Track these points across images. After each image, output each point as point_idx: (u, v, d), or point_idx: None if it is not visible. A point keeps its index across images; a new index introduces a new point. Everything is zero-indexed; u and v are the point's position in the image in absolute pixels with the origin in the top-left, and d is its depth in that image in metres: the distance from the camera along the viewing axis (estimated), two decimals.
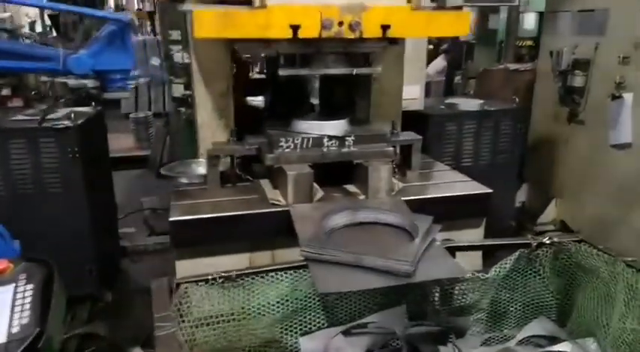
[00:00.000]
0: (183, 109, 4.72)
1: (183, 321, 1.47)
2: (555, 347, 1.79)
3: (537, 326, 1.89)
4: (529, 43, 6.34)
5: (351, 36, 1.94)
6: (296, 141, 2.11)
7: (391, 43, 2.11)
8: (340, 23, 1.92)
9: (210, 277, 1.55)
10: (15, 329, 1.07)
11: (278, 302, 1.66)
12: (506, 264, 1.79)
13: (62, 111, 3.09)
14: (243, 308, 1.62)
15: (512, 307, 1.90)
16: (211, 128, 2.48)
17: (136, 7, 11.97)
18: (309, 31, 1.89)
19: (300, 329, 1.72)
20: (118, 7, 12.03)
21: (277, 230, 2.00)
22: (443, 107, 3.44)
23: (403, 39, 2.21)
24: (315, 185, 2.14)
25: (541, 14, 5.40)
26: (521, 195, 4.54)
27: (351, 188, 2.24)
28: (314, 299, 1.71)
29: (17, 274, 1.22)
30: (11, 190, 2.85)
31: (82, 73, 2.76)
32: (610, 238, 3.14)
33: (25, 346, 1.02)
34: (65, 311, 1.24)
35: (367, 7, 1.93)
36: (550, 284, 1.88)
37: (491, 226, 3.46)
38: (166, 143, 5.72)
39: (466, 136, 3.39)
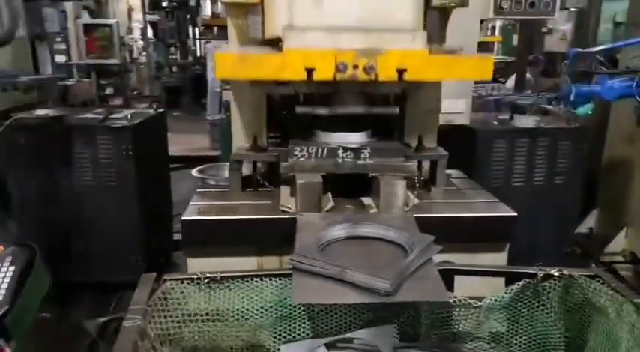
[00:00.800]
0: None
1: (165, 317, 1.55)
2: None
3: None
4: None
5: (366, 79, 1.93)
6: (310, 151, 2.13)
7: (413, 83, 2.08)
8: (355, 66, 1.92)
9: (195, 276, 1.62)
10: None
11: (262, 307, 1.69)
12: (505, 293, 1.68)
13: (124, 112, 3.36)
14: (227, 309, 1.67)
15: (515, 340, 1.78)
16: (244, 133, 2.57)
17: None
18: (324, 73, 1.91)
19: (284, 337, 1.73)
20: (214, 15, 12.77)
21: (285, 236, 2.03)
22: (494, 122, 3.29)
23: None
24: (328, 195, 2.16)
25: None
26: (590, 222, 4.21)
27: (366, 201, 2.21)
28: (299, 308, 1.72)
29: (5, 256, 1.36)
30: (72, 181, 3.14)
31: None
32: None
33: None
34: (45, 292, 1.36)
35: (383, 51, 1.91)
36: (558, 320, 1.73)
37: (544, 252, 3.28)
38: None
39: (518, 155, 3.22)
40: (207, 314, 1.64)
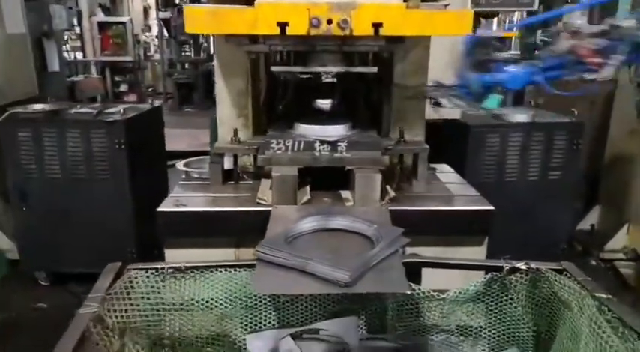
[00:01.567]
0: None
1: (127, 305, 1.56)
2: None
3: None
4: None
5: (341, 34, 1.92)
6: (287, 144, 2.13)
7: (391, 42, 2.05)
8: (329, 21, 1.91)
9: (159, 266, 1.64)
10: None
11: (227, 297, 1.70)
12: (470, 287, 1.66)
13: (119, 107, 3.40)
14: (192, 300, 1.68)
15: (484, 334, 1.76)
16: (229, 126, 2.58)
17: None
18: (297, 28, 1.90)
19: (250, 327, 1.74)
20: None
21: (261, 228, 2.04)
22: (487, 117, 3.24)
23: (402, 38, 2.13)
24: (306, 188, 2.16)
25: None
26: (592, 218, 4.13)
27: (344, 194, 2.21)
28: (265, 298, 1.73)
29: None
30: (66, 174, 3.20)
31: None
32: None
33: None
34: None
35: (357, 5, 1.90)
36: (527, 314, 1.71)
37: (539, 248, 3.23)
38: None
39: (511, 150, 3.17)
40: (172, 303, 1.66)
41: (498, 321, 1.75)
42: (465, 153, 3.10)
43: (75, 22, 9.82)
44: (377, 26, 1.93)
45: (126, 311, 1.54)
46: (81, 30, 10.21)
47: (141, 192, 3.35)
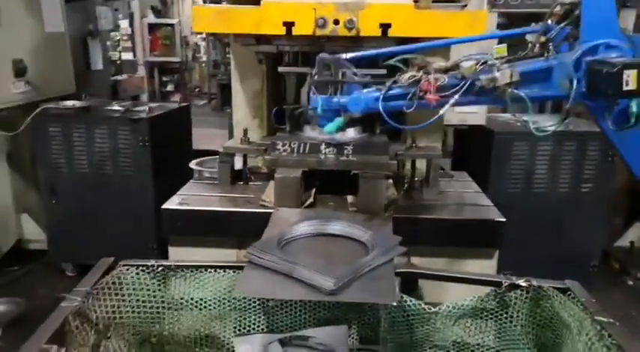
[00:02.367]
0: None
1: (115, 301, 1.58)
2: None
3: None
4: None
5: (348, 34, 1.88)
6: (293, 146, 2.10)
7: (401, 43, 1.99)
8: (336, 21, 1.88)
9: (149, 264, 1.64)
10: None
11: (217, 298, 1.68)
12: (465, 301, 1.58)
13: (146, 105, 3.48)
14: (182, 299, 1.68)
15: None
16: (244, 126, 2.59)
17: None
18: (303, 28, 1.89)
19: (239, 330, 1.72)
20: None
21: (262, 230, 2.02)
22: (514, 124, 3.10)
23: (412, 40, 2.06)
24: (311, 191, 2.13)
25: None
26: (633, 235, 3.88)
27: (350, 198, 2.16)
28: (254, 301, 1.70)
29: None
30: (93, 169, 3.30)
31: None
32: None
33: None
34: None
35: (365, 5, 1.86)
36: (527, 335, 1.60)
37: (568, 265, 3.07)
38: None
39: (540, 159, 3.02)
40: (162, 302, 1.66)
41: (497, 340, 1.65)
42: (489, 161, 2.98)
43: (126, 23, 10.23)
44: (385, 27, 1.89)
45: (112, 306, 1.55)
46: (132, 31, 10.57)
47: (164, 189, 3.39)
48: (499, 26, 3.36)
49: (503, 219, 2.00)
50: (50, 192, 3.37)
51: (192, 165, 2.60)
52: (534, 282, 1.56)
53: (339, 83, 1.74)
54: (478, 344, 1.67)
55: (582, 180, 3.05)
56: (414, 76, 1.59)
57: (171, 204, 2.12)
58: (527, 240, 3.12)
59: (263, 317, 1.73)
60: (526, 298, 1.58)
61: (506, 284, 1.57)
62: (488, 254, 2.05)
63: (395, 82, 1.64)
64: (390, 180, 2.25)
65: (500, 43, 1.66)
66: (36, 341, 1.26)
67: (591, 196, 3.08)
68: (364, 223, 1.87)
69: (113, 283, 1.57)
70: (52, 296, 3.45)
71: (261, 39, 2.04)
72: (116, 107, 3.49)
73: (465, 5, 1.99)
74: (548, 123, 2.88)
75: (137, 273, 1.63)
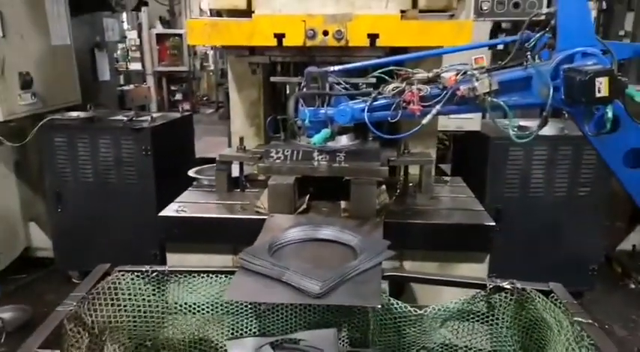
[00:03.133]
0: None
1: (110, 305, 1.63)
2: None
3: None
4: None
5: (337, 45, 1.94)
6: (286, 153, 2.15)
7: (389, 52, 2.04)
8: (325, 32, 1.94)
9: (144, 269, 1.70)
10: None
11: (210, 303, 1.73)
12: (451, 304, 1.61)
13: (148, 116, 3.55)
14: (176, 303, 1.73)
15: None
16: (242, 134, 2.65)
17: None
18: (294, 39, 1.95)
19: (231, 333, 1.77)
20: None
21: (257, 236, 2.07)
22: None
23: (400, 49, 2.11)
24: (305, 197, 2.18)
25: None
26: (635, 238, 3.87)
27: (343, 204, 2.20)
28: (247, 305, 1.75)
29: None
30: (97, 178, 3.38)
31: None
32: None
33: None
34: None
35: (353, 17, 1.91)
36: (512, 336, 1.63)
37: (567, 269, 3.07)
38: None
39: (536, 164, 3.04)
40: (156, 306, 1.71)
41: (484, 341, 1.68)
42: (486, 166, 3.00)
43: (135, 34, 10.39)
44: (373, 37, 1.94)
45: (107, 311, 1.60)
46: (140, 41, 10.72)
47: (167, 197, 3.45)
48: (505, 31, 3.39)
49: (493, 223, 2.02)
50: (56, 201, 3.45)
51: (191, 173, 2.66)
52: (518, 285, 1.60)
53: (326, 95, 1.79)
54: (466, 346, 1.70)
55: (579, 184, 3.06)
56: (397, 88, 1.64)
57: (169, 211, 2.18)
58: (526, 244, 3.13)
59: (255, 320, 1.78)
60: (511, 300, 1.61)
61: (491, 286, 1.61)
62: (478, 258, 2.07)
63: (380, 93, 1.69)
64: (383, 186, 2.29)
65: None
66: (31, 344, 1.31)
67: (588, 200, 3.08)
68: (355, 228, 1.91)
69: (109, 288, 1.62)
70: (58, 303, 3.55)
71: (254, 50, 2.10)
72: (120, 117, 3.57)
73: (453, 15, 2.03)
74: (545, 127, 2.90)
75: (132, 279, 1.68)
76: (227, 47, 2.22)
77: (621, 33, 4.38)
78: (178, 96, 11.36)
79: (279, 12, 1.97)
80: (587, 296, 3.38)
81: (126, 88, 6.42)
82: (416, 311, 1.59)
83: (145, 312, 1.69)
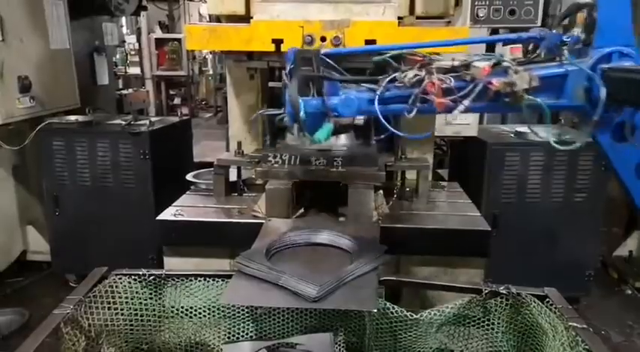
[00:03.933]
0: None
1: (107, 309, 1.63)
2: None
3: None
4: None
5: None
6: (284, 157, 2.16)
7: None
8: (323, 38, 1.95)
9: (141, 273, 1.70)
10: None
11: (206, 306, 1.74)
12: (446, 308, 1.61)
13: (146, 120, 3.56)
14: (172, 307, 1.73)
15: None
16: (239, 139, 2.65)
17: None
18: (291, 45, 1.95)
19: (228, 337, 1.77)
20: None
21: (254, 240, 2.08)
22: (507, 135, 3.15)
23: None
24: (303, 202, 2.18)
25: None
26: (632, 244, 3.89)
27: (341, 209, 2.21)
28: (243, 309, 1.75)
29: None
30: (95, 182, 3.38)
31: None
32: None
33: None
34: None
35: (351, 23, 1.93)
36: (508, 341, 1.64)
37: (563, 274, 3.08)
38: None
39: (533, 170, 3.05)
40: (153, 310, 1.72)
41: (480, 346, 1.69)
42: (483, 171, 3.02)
43: (134, 38, 10.42)
44: (370, 43, 1.95)
45: (104, 314, 1.61)
46: (139, 46, 10.75)
47: (165, 201, 3.46)
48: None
49: (490, 229, 2.03)
50: (54, 204, 3.45)
51: (189, 177, 2.66)
52: (513, 290, 1.60)
53: (324, 79, 1.47)
54: (462, 351, 1.71)
55: (576, 190, 3.07)
56: (417, 75, 1.34)
57: (166, 215, 2.18)
58: (522, 249, 3.15)
59: (252, 324, 1.78)
60: (506, 305, 1.62)
61: (487, 291, 1.61)
62: (475, 263, 2.08)
63: (393, 80, 1.39)
64: (381, 191, 2.30)
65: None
66: (27, 347, 1.32)
67: (585, 206, 3.10)
68: (352, 233, 1.91)
69: (105, 292, 1.63)
70: (55, 306, 3.54)
71: (252, 55, 2.12)
72: (118, 121, 3.58)
73: (449, 22, 2.05)
74: (541, 132, 2.92)
75: (129, 282, 1.68)
76: (225, 52, 2.23)
77: None
78: (177, 101, 11.39)
79: (278, 18, 1.98)
80: (584, 301, 3.39)
81: (125, 92, 6.44)
82: (412, 316, 1.60)
83: (141, 316, 1.70)
